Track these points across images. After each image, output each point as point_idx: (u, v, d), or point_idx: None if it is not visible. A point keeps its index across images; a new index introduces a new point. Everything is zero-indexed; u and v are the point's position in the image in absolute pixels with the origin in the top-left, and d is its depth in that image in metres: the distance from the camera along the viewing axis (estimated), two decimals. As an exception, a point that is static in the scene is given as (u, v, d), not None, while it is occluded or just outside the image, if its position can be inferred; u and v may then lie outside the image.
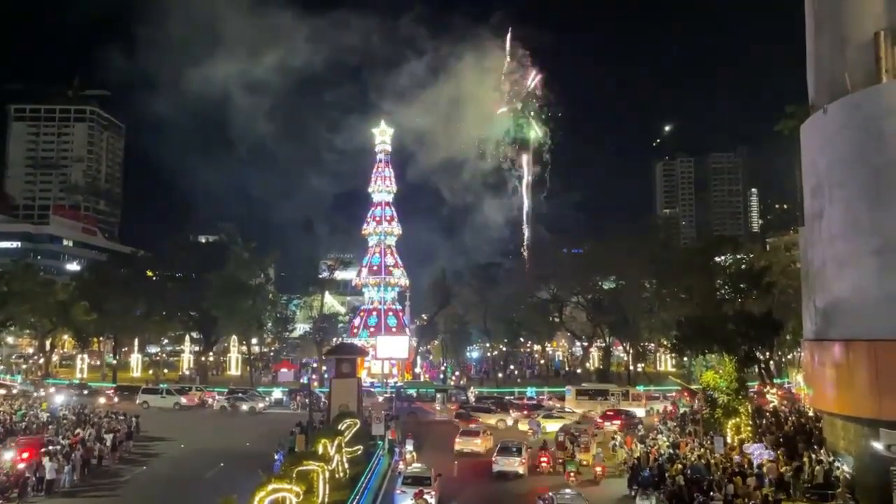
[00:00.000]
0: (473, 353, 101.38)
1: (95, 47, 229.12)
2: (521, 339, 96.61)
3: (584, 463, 31.80)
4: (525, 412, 48.25)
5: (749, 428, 32.59)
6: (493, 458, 31.25)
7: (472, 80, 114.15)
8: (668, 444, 33.02)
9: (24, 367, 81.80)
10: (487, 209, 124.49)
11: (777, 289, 61.10)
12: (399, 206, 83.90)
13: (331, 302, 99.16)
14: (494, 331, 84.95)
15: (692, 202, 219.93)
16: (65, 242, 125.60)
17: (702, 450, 30.47)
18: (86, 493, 27.59)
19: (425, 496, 23.43)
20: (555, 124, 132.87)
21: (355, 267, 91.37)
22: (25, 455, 27.33)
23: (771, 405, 44.61)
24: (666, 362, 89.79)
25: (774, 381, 58.20)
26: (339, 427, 29.60)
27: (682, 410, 45.28)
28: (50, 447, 29.19)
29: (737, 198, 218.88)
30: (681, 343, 47.78)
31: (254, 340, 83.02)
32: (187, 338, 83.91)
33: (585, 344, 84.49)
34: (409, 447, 32.51)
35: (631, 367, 77.80)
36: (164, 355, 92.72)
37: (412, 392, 54.19)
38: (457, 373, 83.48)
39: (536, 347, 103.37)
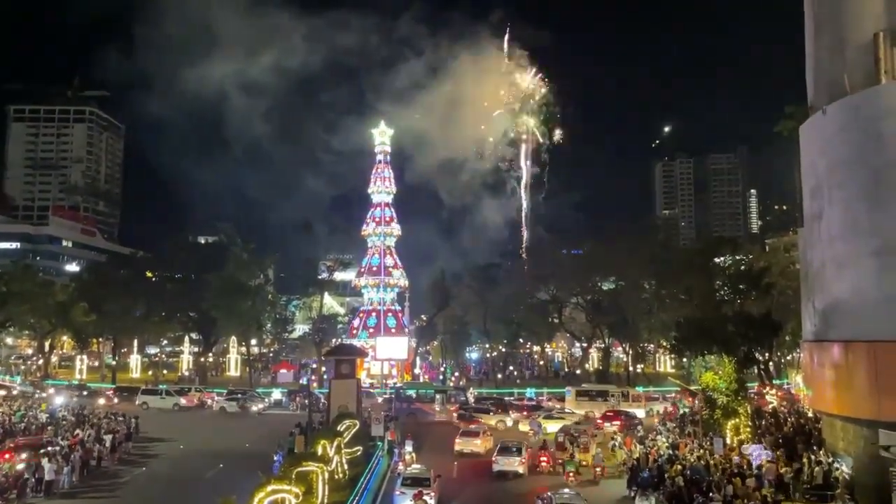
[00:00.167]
0: (473, 354, 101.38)
1: (95, 48, 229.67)
2: (521, 340, 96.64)
3: (584, 463, 31.86)
4: (524, 413, 48.29)
5: (748, 429, 32.59)
6: (494, 458, 31.45)
7: (471, 81, 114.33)
8: (667, 444, 33.05)
9: (24, 367, 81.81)
10: (486, 210, 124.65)
11: (776, 290, 61.15)
12: (398, 206, 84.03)
13: (330, 303, 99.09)
14: (494, 332, 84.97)
15: (691, 203, 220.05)
16: (64, 243, 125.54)
17: (701, 451, 30.48)
18: (85, 494, 27.58)
19: (424, 497, 23.45)
20: (554, 124, 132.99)
21: (355, 268, 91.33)
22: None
23: (770, 406, 44.62)
24: (665, 363, 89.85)
25: (774, 381, 58.21)
26: (339, 428, 29.63)
27: (681, 411, 45.28)
28: (49, 448, 29.19)
29: (736, 199, 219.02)
30: (680, 344, 47.80)
31: (253, 341, 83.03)
32: (186, 339, 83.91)
33: (585, 345, 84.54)
34: (409, 448, 32.54)
35: (630, 368, 77.85)
36: (163, 356, 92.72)
37: (411, 393, 54.19)
38: (456, 374, 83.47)
39: (536, 348, 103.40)
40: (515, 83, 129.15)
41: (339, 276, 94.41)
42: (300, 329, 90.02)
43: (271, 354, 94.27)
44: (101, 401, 54.51)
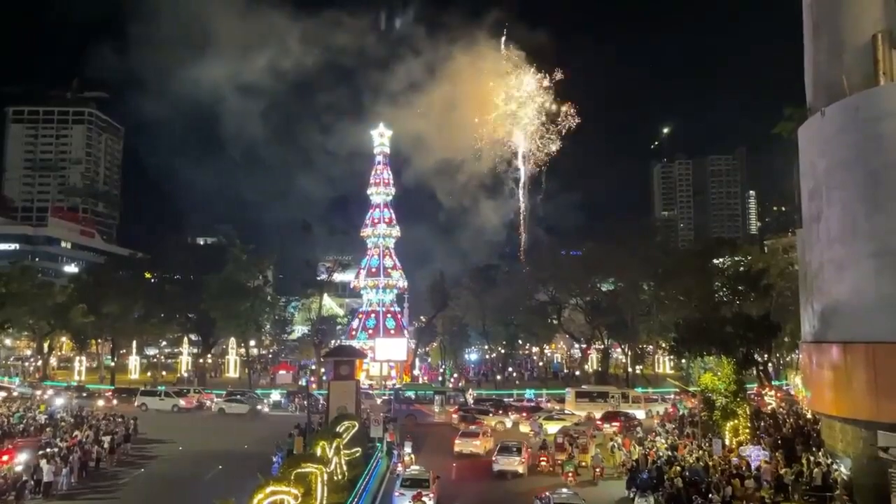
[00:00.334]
0: (472, 356, 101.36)
1: (94, 49, 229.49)
2: (520, 342, 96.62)
3: (583, 464, 31.91)
4: (524, 414, 48.31)
5: (747, 430, 32.62)
6: (494, 458, 31.72)
7: (468, 82, 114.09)
8: (666, 446, 33.07)
9: (22, 369, 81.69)
10: (485, 211, 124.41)
11: (775, 291, 61.20)
12: (397, 208, 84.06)
13: (329, 304, 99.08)
14: (493, 333, 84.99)
15: (690, 204, 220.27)
16: (63, 244, 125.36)
17: (700, 452, 30.52)
18: (83, 495, 27.57)
19: (424, 498, 23.48)
20: (553, 125, 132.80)
21: (354, 269, 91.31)
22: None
23: (769, 407, 44.65)
24: (664, 364, 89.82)
25: (773, 383, 58.25)
26: (338, 429, 29.57)
27: (681, 412, 45.31)
28: (48, 449, 29.16)
29: (735, 200, 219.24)
30: (679, 345, 47.78)
31: (252, 342, 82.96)
32: (185, 340, 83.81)
33: (584, 346, 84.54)
34: (408, 449, 32.60)
35: (629, 370, 77.86)
36: (162, 357, 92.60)
37: (410, 394, 54.21)
38: (455, 375, 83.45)
39: (535, 349, 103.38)
40: (513, 84, 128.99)
41: (339, 277, 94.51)
42: (299, 330, 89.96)
43: (270, 356, 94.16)
44: (101, 402, 54.46)
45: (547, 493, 24.01)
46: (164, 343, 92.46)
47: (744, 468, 26.99)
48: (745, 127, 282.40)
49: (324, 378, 63.22)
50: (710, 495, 23.52)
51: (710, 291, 62.76)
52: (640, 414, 48.50)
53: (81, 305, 70.63)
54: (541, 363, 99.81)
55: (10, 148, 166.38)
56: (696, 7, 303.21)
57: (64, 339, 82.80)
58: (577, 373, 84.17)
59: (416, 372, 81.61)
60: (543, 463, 32.21)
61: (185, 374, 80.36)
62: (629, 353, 78.59)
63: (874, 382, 22.39)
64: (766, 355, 55.62)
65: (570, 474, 29.38)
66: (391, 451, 34.80)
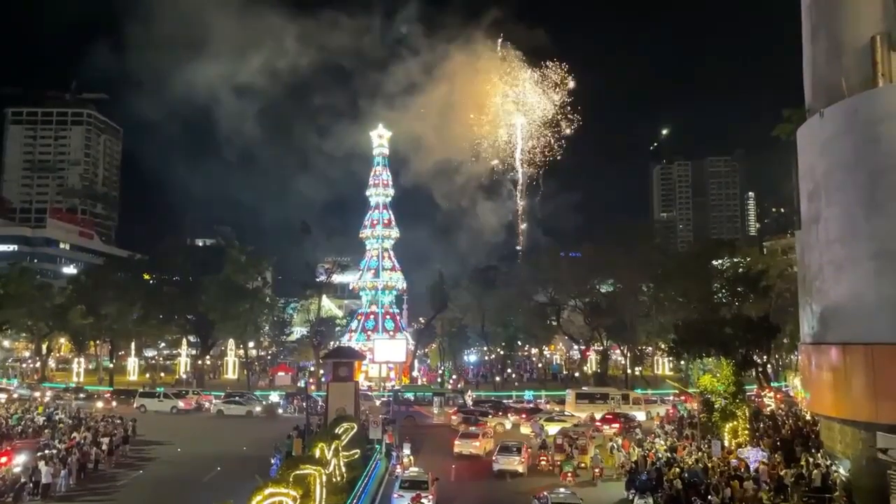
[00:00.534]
0: (471, 357, 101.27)
1: (93, 50, 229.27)
2: (519, 343, 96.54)
3: (582, 465, 31.93)
4: (523, 416, 48.25)
5: (746, 431, 32.62)
6: (494, 458, 31.94)
7: (466, 84, 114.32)
8: (665, 447, 33.05)
9: (21, 370, 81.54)
10: (484, 212, 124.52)
11: (774, 292, 61.27)
12: (396, 209, 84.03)
13: (328, 305, 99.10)
14: (492, 334, 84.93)
15: (689, 206, 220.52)
16: (61, 246, 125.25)
17: (699, 453, 30.50)
18: (82, 497, 27.52)
19: (423, 500, 23.46)
20: (551, 127, 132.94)
21: (353, 270, 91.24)
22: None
23: (768, 409, 44.65)
24: (663, 366, 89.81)
25: (772, 384, 58.27)
26: (337, 431, 29.55)
27: (681, 413, 45.28)
28: (46, 451, 29.11)
29: (734, 201, 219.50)
30: (678, 346, 47.77)
31: (251, 344, 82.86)
32: (184, 341, 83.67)
33: (583, 347, 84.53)
34: (407, 451, 32.56)
35: (628, 371, 77.83)
36: (160, 359, 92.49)
37: (409, 396, 54.13)
38: (454, 376, 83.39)
39: (534, 351, 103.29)
40: (512, 85, 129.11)
41: (337, 278, 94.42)
42: (298, 332, 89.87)
43: (269, 357, 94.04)
44: (100, 404, 54.40)
45: (545, 493, 24.13)
46: (162, 344, 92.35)
47: (743, 470, 26.99)
48: (744, 128, 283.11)
49: (322, 379, 63.15)
50: (709, 497, 23.49)
51: (709, 293, 62.82)
52: (640, 416, 48.47)
53: (80, 307, 70.57)
54: (540, 365, 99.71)
55: (9, 149, 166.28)
56: (695, 8, 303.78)
57: (62, 340, 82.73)
58: (577, 374, 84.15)
59: (415, 373, 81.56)
60: (543, 462, 32.44)
61: (184, 376, 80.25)
62: (628, 354, 78.57)
63: (873, 384, 22.39)
64: (765, 357, 55.68)
65: (569, 474, 29.43)
66: (390, 452, 34.80)
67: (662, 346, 74.17)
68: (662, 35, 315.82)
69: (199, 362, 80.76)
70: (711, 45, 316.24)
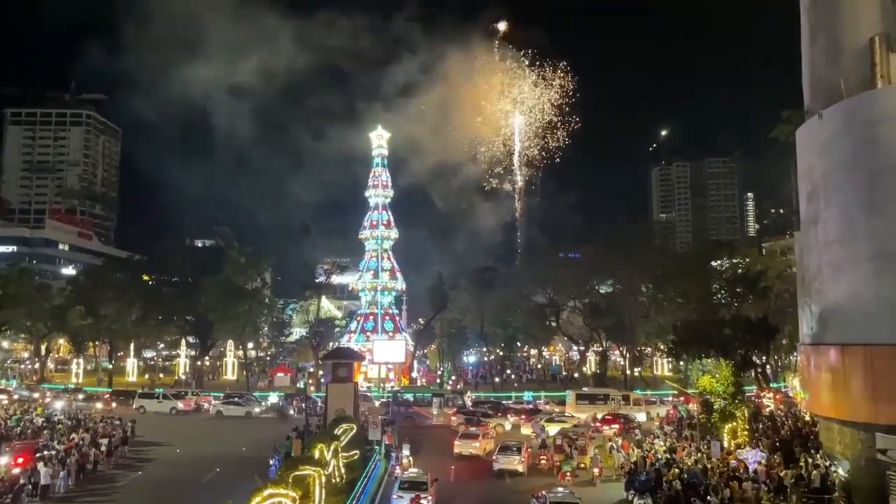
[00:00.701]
0: (470, 358, 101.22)
1: (93, 51, 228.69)
2: (518, 344, 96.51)
3: (582, 465, 31.95)
4: (522, 417, 48.22)
5: (746, 432, 32.62)
6: (494, 457, 32.13)
7: (465, 85, 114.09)
8: (664, 448, 33.06)
9: (20, 371, 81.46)
10: (483, 213, 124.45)
11: (773, 293, 61.26)
12: (395, 210, 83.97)
13: (327, 306, 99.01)
14: (491, 335, 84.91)
15: (688, 207, 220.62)
16: (60, 246, 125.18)
17: (698, 454, 30.51)
18: (81, 498, 27.51)
19: (422, 501, 23.46)
20: (550, 128, 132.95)
21: (352, 271, 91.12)
22: (21, 460, 27.19)
23: (767, 409, 44.65)
24: (663, 367, 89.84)
25: (771, 385, 58.27)
26: (336, 432, 29.56)
27: (681, 414, 45.28)
28: (45, 452, 29.07)
29: (733, 202, 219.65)
30: (677, 347, 47.77)
31: (250, 345, 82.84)
32: (183, 342, 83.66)
33: (582, 348, 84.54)
34: (406, 452, 32.56)
35: (628, 372, 77.83)
36: (160, 360, 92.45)
37: (409, 396, 54.09)
38: (453, 377, 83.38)
39: (533, 352, 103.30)
40: (511, 86, 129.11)
41: (337, 279, 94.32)
42: (297, 333, 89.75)
43: (268, 358, 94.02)
44: (98, 404, 54.34)
45: (543, 493, 24.17)
46: (161, 345, 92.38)
47: (742, 470, 27.00)
48: (742, 129, 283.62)
49: (322, 380, 63.12)
50: (708, 497, 23.50)
51: (708, 294, 62.85)
52: (640, 416, 48.43)
53: (79, 307, 70.53)
54: (539, 365, 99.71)
55: (8, 150, 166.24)
56: (695, 9, 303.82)
57: (61, 341, 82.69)
58: (576, 375, 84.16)
59: (414, 374, 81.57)
60: (544, 462, 32.58)
61: (183, 377, 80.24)
62: (627, 355, 78.57)
63: (872, 385, 22.42)
64: (764, 357, 55.69)
65: (567, 474, 29.46)
66: (389, 453, 34.79)
67: (662, 347, 74.22)
68: (661, 36, 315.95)
69: (199, 363, 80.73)
70: (711, 46, 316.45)
